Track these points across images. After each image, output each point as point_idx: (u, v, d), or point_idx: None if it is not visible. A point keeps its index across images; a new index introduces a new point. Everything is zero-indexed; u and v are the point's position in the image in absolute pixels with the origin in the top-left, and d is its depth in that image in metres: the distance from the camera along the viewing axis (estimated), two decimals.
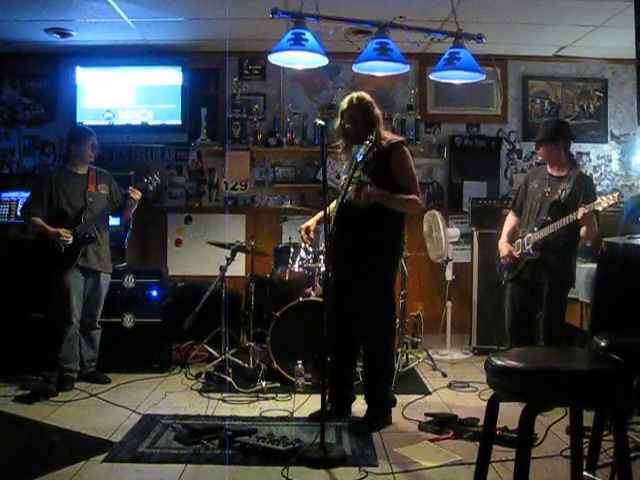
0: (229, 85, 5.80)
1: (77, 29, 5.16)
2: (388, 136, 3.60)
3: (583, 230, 3.82)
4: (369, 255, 3.51)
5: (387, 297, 3.62)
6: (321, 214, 3.75)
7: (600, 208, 3.63)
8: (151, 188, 4.53)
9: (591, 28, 5.11)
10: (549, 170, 4.07)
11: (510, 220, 4.27)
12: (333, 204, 3.79)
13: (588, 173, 5.92)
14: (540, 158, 4.26)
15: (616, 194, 3.58)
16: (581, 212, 3.66)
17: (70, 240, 4.20)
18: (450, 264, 5.28)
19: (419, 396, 4.11)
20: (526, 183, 4.19)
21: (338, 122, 3.67)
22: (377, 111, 3.60)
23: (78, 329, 4.33)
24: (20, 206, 4.80)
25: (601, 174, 6.11)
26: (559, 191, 3.92)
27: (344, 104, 3.62)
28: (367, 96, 3.62)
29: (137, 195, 4.38)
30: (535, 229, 3.95)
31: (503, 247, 4.18)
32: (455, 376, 4.61)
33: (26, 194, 4.49)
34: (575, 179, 3.92)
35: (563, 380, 1.99)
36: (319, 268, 4.48)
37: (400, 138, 3.68)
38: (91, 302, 4.39)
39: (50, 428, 3.49)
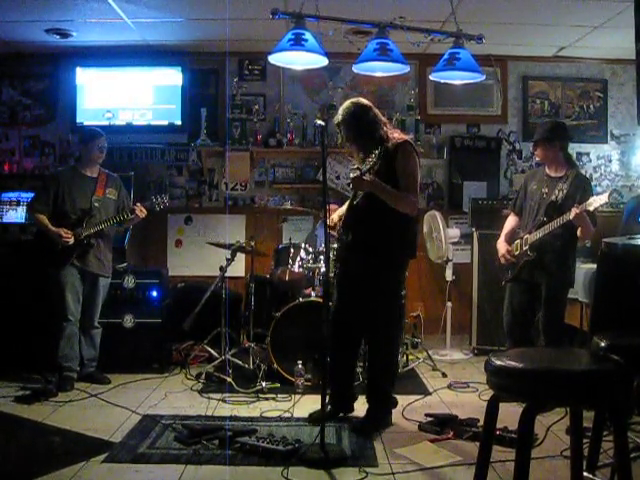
0: (229, 85, 5.80)
1: (77, 29, 5.16)
2: (397, 135, 3.54)
3: (579, 230, 3.83)
4: (377, 258, 3.46)
5: (394, 300, 3.60)
6: (342, 209, 3.75)
7: (591, 208, 3.62)
8: (157, 209, 4.56)
9: (591, 28, 5.11)
10: (547, 171, 4.07)
11: (510, 221, 4.27)
12: (344, 207, 3.77)
13: (588, 174, 5.93)
14: (537, 159, 4.27)
15: (606, 194, 3.57)
16: (573, 212, 3.66)
17: (71, 241, 4.20)
18: (450, 264, 5.28)
19: (419, 396, 4.11)
20: (525, 184, 4.19)
21: (339, 137, 3.62)
22: (373, 117, 3.50)
23: (77, 328, 4.33)
24: (22, 205, 4.81)
25: (601, 174, 6.11)
26: (556, 192, 3.92)
27: (335, 121, 3.56)
28: (354, 105, 3.52)
29: (143, 213, 4.42)
30: (533, 230, 3.95)
31: (501, 246, 4.19)
32: (455, 376, 4.61)
33: (26, 194, 4.50)
34: (572, 180, 3.91)
35: (563, 380, 1.99)
36: (319, 268, 4.48)
37: (405, 137, 3.56)
38: (88, 303, 4.39)
39: (50, 428, 3.49)
